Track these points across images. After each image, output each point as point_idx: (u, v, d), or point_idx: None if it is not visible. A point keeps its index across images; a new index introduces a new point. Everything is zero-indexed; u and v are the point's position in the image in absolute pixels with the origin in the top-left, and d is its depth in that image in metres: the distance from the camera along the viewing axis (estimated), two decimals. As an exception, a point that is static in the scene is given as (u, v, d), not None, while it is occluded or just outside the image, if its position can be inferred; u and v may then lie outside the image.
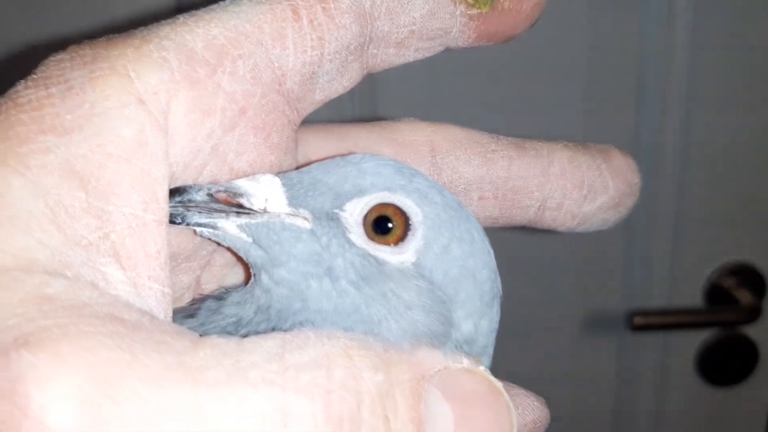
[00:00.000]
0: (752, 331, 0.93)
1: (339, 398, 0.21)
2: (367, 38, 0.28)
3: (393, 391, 0.22)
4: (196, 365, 0.21)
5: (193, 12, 0.26)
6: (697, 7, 0.82)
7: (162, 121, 0.24)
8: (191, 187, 0.26)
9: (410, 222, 0.27)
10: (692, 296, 0.92)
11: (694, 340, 0.94)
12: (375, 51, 0.29)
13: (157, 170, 0.24)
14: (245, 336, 0.27)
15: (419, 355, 0.23)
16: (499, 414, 0.23)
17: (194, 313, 0.29)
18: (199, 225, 0.27)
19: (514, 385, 0.34)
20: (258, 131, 0.27)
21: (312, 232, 0.27)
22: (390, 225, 0.27)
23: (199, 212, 0.27)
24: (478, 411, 0.23)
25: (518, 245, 0.77)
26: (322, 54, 0.27)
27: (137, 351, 0.21)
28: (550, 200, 0.33)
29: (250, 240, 0.27)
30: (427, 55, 0.30)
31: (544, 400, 0.35)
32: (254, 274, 0.29)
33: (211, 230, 0.27)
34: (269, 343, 0.22)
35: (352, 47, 0.28)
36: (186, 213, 0.26)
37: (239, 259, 0.30)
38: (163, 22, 0.26)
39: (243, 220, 0.27)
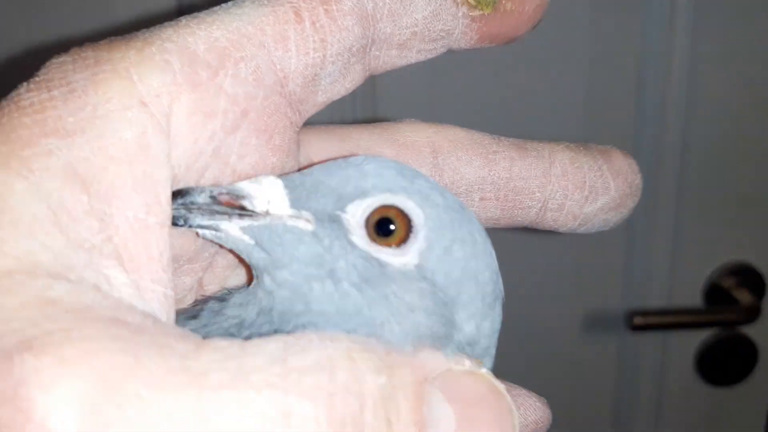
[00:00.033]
0: (752, 331, 0.93)
1: (342, 401, 0.21)
2: (370, 40, 0.28)
3: (395, 393, 0.22)
4: (199, 369, 0.21)
5: (196, 14, 0.26)
6: (697, 9, 0.82)
7: (164, 123, 0.24)
8: (193, 189, 0.26)
9: (412, 224, 0.27)
10: (692, 296, 0.92)
11: (694, 340, 0.94)
12: (377, 53, 0.29)
13: (159, 173, 0.24)
14: (248, 338, 0.27)
15: (421, 357, 0.23)
16: (501, 416, 0.23)
17: (197, 314, 0.29)
18: (202, 227, 0.27)
19: (515, 385, 0.34)
20: (260, 133, 0.27)
21: (314, 234, 0.27)
22: (392, 227, 0.27)
23: (202, 214, 0.27)
24: (480, 413, 0.23)
25: (518, 245, 0.77)
26: (324, 56, 0.27)
27: (141, 355, 0.21)
28: (551, 201, 0.33)
29: (252, 242, 0.27)
30: (430, 56, 0.30)
31: (545, 401, 0.35)
32: (256, 276, 0.29)
33: (213, 232, 0.27)
34: (272, 346, 0.22)
35: (354, 49, 0.28)
36: (188, 215, 0.26)
37: (241, 260, 0.30)
38: (165, 24, 0.26)
39: (245, 222, 0.27)
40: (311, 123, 0.30)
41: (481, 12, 0.29)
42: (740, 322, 0.92)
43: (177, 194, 0.26)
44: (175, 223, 0.26)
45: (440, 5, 0.29)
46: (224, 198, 0.27)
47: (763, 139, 0.88)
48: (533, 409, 0.34)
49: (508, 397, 0.24)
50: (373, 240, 0.27)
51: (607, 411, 0.95)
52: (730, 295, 0.91)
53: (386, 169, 0.28)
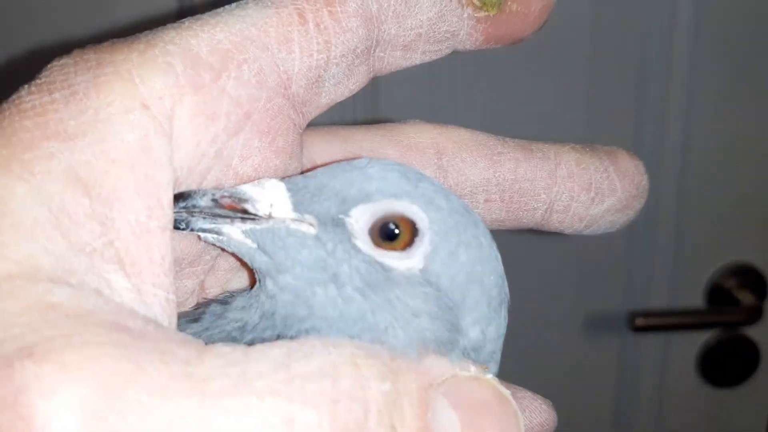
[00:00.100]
0: (753, 331, 0.93)
1: (345, 408, 0.21)
2: (374, 41, 0.28)
3: (400, 400, 0.22)
4: (202, 375, 0.21)
5: (199, 16, 0.26)
6: (698, 8, 0.82)
7: (166, 126, 0.24)
8: (195, 192, 0.26)
9: (417, 228, 0.27)
10: (693, 297, 0.92)
11: (696, 341, 0.94)
12: (382, 54, 0.29)
13: (161, 176, 0.24)
14: (251, 342, 0.27)
15: (426, 363, 0.23)
16: (506, 422, 0.23)
17: (199, 317, 0.29)
18: (204, 231, 0.27)
19: (521, 388, 0.34)
20: (263, 135, 0.27)
21: (317, 237, 0.27)
22: (396, 231, 0.27)
23: (204, 218, 0.26)
24: (486, 419, 0.23)
25: (520, 246, 0.76)
26: (328, 57, 0.27)
27: (142, 361, 0.20)
28: (557, 203, 0.33)
29: (254, 246, 0.27)
30: (434, 57, 0.30)
31: (551, 403, 0.35)
32: (259, 280, 0.28)
33: (215, 236, 0.27)
34: (275, 352, 0.22)
35: (358, 51, 0.28)
36: (190, 219, 0.26)
37: (244, 264, 0.30)
38: (167, 25, 0.26)
39: (247, 225, 0.27)
40: (313, 124, 0.30)
41: (486, 13, 0.29)
42: (742, 322, 0.92)
43: (179, 197, 0.26)
44: (176, 227, 0.26)
45: (445, 6, 0.29)
46: (226, 201, 0.26)
47: (764, 139, 0.88)
48: (539, 411, 0.34)
49: (514, 403, 0.24)
50: (377, 244, 0.27)
51: (609, 412, 0.95)
52: (732, 295, 0.91)
53: (390, 172, 0.27)
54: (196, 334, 0.28)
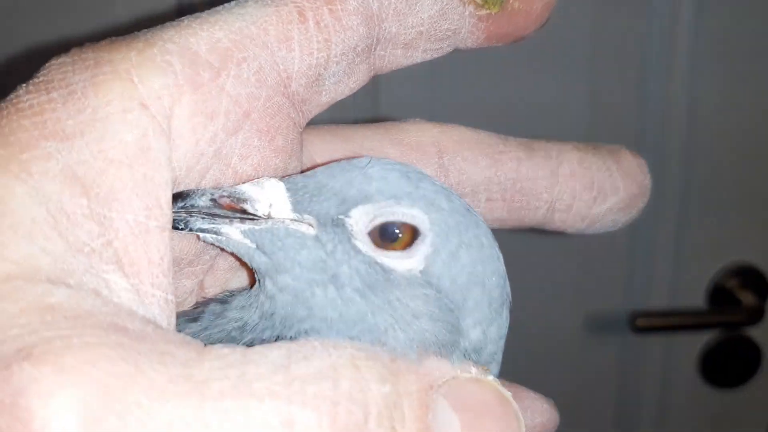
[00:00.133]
0: (755, 332, 0.93)
1: (345, 410, 0.21)
2: (375, 40, 0.28)
3: (400, 402, 0.22)
4: (201, 377, 0.21)
5: (198, 14, 0.26)
6: (700, 6, 0.82)
7: (165, 125, 0.24)
8: (194, 192, 0.26)
9: (417, 230, 0.27)
10: (695, 297, 0.92)
11: (697, 342, 0.93)
12: (382, 52, 0.29)
13: (159, 175, 0.24)
14: (250, 342, 0.27)
15: (427, 364, 0.23)
16: (507, 424, 0.23)
17: (198, 316, 0.29)
18: (203, 231, 0.27)
19: (523, 387, 0.34)
20: (262, 134, 0.27)
21: (317, 238, 0.27)
22: (397, 232, 0.27)
23: (202, 218, 0.26)
24: (486, 421, 0.23)
25: (521, 246, 0.76)
26: (328, 56, 0.27)
27: (141, 363, 0.20)
28: (559, 202, 0.33)
29: (253, 246, 0.27)
30: (436, 56, 0.30)
31: (553, 403, 0.35)
32: (258, 280, 0.28)
33: (214, 236, 0.27)
34: (275, 353, 0.22)
35: (359, 49, 0.27)
36: (189, 219, 0.26)
37: (243, 263, 0.29)
38: (167, 24, 0.26)
39: (246, 226, 0.27)
40: (314, 123, 0.30)
41: (488, 11, 0.29)
42: (744, 323, 0.91)
43: (177, 197, 0.26)
44: (175, 227, 0.26)
45: (447, 4, 0.28)
46: (225, 201, 0.26)
47: (767, 139, 0.88)
48: (541, 411, 0.34)
49: (515, 405, 0.24)
50: (377, 244, 0.27)
51: (610, 412, 0.95)
52: (734, 296, 0.91)
53: (391, 172, 0.27)
54: (195, 334, 0.28)
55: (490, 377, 0.24)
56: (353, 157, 0.28)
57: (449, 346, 0.26)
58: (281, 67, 0.26)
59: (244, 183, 0.27)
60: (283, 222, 0.27)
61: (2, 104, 0.24)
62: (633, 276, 0.91)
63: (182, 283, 0.29)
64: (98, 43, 0.25)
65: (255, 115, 0.26)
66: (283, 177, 0.28)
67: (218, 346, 0.22)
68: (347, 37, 0.27)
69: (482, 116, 0.80)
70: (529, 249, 0.83)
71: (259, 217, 0.27)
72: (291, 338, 0.27)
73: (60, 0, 0.70)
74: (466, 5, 0.29)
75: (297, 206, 0.27)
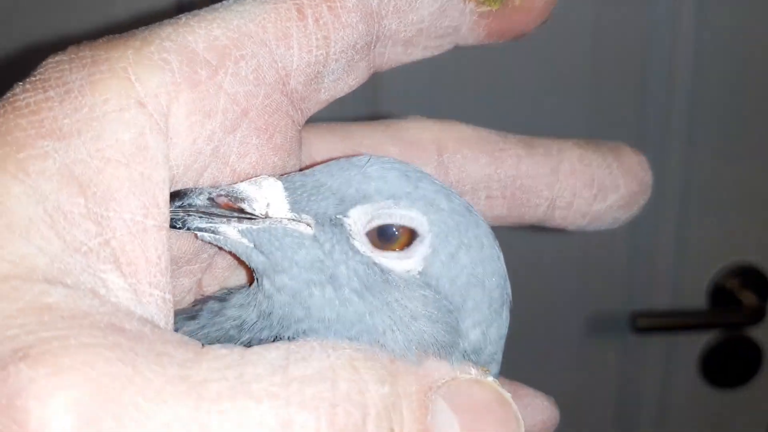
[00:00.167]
0: (756, 332, 0.93)
1: (344, 412, 0.21)
2: (374, 37, 0.28)
3: (399, 403, 0.22)
4: (198, 378, 0.20)
5: (196, 12, 0.26)
6: (702, 3, 0.82)
7: (162, 123, 0.24)
8: (192, 190, 0.26)
9: (416, 230, 0.27)
10: (696, 298, 0.92)
11: (698, 342, 0.93)
12: (382, 50, 0.28)
13: (157, 174, 0.24)
14: (248, 342, 0.27)
15: (426, 365, 0.23)
16: (507, 426, 0.23)
17: (196, 314, 0.29)
18: (200, 230, 0.26)
19: (524, 385, 0.34)
20: (261, 132, 0.26)
21: (314, 238, 0.27)
22: (395, 232, 0.27)
23: (200, 217, 0.26)
24: (486, 422, 0.23)
25: (521, 246, 0.76)
26: (327, 53, 0.27)
27: (139, 364, 0.20)
28: (559, 199, 0.33)
29: (251, 245, 0.27)
30: (436, 53, 0.30)
31: (553, 401, 0.35)
32: (257, 278, 0.28)
33: (212, 235, 0.27)
34: (273, 354, 0.22)
35: (358, 46, 0.27)
36: (186, 218, 0.26)
37: (241, 262, 0.29)
38: (164, 22, 0.25)
39: (244, 225, 0.27)
40: (313, 120, 0.30)
41: (488, 8, 0.29)
42: (744, 323, 0.91)
43: (175, 196, 0.26)
44: (173, 226, 0.26)
45: (447, 1, 0.28)
46: (222, 200, 0.26)
47: (768, 139, 0.88)
48: (541, 408, 0.34)
49: (515, 406, 0.23)
50: (376, 245, 0.26)
51: (611, 412, 0.95)
52: (735, 296, 0.91)
53: (390, 172, 0.27)
54: (193, 332, 0.28)
55: (490, 378, 0.24)
56: (352, 155, 0.28)
57: (448, 347, 0.26)
58: (280, 64, 0.26)
59: (242, 181, 0.27)
60: (280, 221, 0.27)
61: None
62: (634, 276, 0.90)
63: (180, 282, 0.28)
64: (95, 41, 0.25)
65: (253, 113, 0.26)
66: (282, 175, 0.27)
67: (216, 346, 0.22)
68: (346, 34, 0.27)
69: (483, 113, 0.79)
70: (530, 249, 0.83)
71: (257, 216, 0.27)
72: (289, 338, 0.26)
73: (58, -2, 0.70)
74: (467, 2, 0.29)
75: (295, 206, 0.27)
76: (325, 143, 0.32)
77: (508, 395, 0.24)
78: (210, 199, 0.26)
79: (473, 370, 0.24)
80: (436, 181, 0.28)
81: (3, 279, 0.21)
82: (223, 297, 0.29)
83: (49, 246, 0.22)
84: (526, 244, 0.78)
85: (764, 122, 0.87)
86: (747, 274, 0.92)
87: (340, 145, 0.32)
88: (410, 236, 0.27)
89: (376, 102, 0.79)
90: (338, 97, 0.29)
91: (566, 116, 0.83)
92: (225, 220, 0.26)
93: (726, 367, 0.95)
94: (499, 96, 0.82)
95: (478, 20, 0.29)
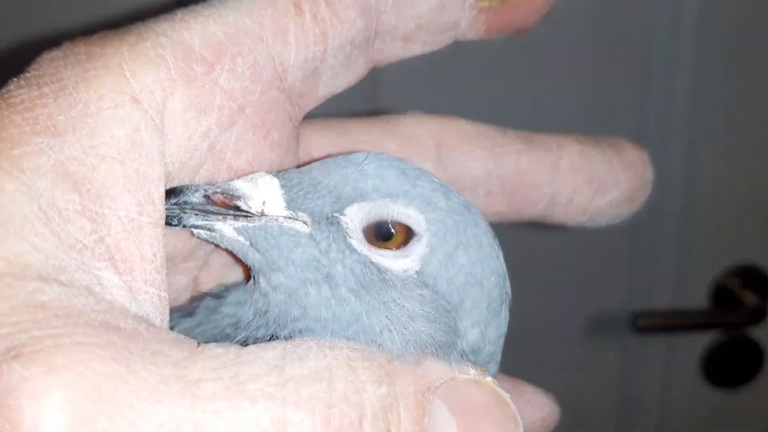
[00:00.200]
0: (757, 332, 0.93)
1: (340, 413, 0.21)
2: (373, 32, 0.27)
3: (396, 403, 0.22)
4: (193, 378, 0.20)
5: (192, 8, 0.26)
6: (702, 3, 0.81)
7: (158, 120, 0.24)
8: (187, 188, 0.26)
9: (413, 229, 0.26)
10: (697, 297, 0.91)
11: (699, 342, 0.93)
12: (381, 45, 0.28)
13: (152, 171, 0.24)
14: (244, 340, 0.27)
15: (424, 366, 0.23)
16: (505, 427, 0.23)
17: (192, 312, 0.28)
18: (196, 227, 0.26)
19: (523, 381, 0.34)
20: (257, 129, 0.26)
21: (311, 236, 0.26)
22: (391, 229, 0.26)
23: (196, 214, 0.26)
24: (484, 423, 0.23)
25: (522, 245, 0.76)
26: (325, 49, 0.26)
27: (133, 363, 0.20)
28: (559, 195, 0.33)
29: (247, 243, 0.27)
30: (435, 48, 0.29)
31: (553, 397, 0.34)
32: (254, 276, 0.28)
33: (208, 232, 0.27)
34: (269, 353, 0.21)
35: (356, 42, 0.27)
36: (182, 215, 0.26)
37: (238, 259, 0.29)
38: (160, 17, 0.25)
39: (240, 223, 0.26)
40: (312, 116, 0.30)
41: (488, 3, 0.29)
42: (746, 323, 0.91)
43: (170, 193, 0.25)
44: (168, 223, 0.25)
45: None
46: (218, 197, 0.26)
47: (770, 138, 0.88)
48: (541, 405, 0.34)
49: (513, 407, 0.23)
50: (372, 244, 0.26)
51: (611, 412, 0.95)
52: (736, 296, 0.90)
53: (387, 170, 0.27)
54: (189, 329, 0.28)
55: (489, 378, 0.24)
56: (350, 152, 0.28)
57: (446, 347, 0.26)
58: (277, 60, 0.26)
59: (238, 178, 0.26)
60: (276, 220, 0.26)
61: None
62: (635, 276, 0.90)
63: (176, 279, 0.28)
64: (91, 37, 0.25)
65: (250, 110, 0.26)
66: (279, 172, 0.27)
67: (212, 345, 0.22)
68: (344, 30, 0.26)
69: (484, 110, 0.79)
70: (530, 249, 0.83)
71: (253, 214, 0.26)
72: (285, 337, 0.26)
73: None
74: None
75: (291, 203, 0.27)
76: (322, 139, 0.31)
77: (506, 396, 0.24)
78: (206, 196, 0.26)
79: (472, 371, 0.23)
80: (435, 179, 0.28)
81: None
82: (220, 294, 0.29)
83: (43, 243, 0.22)
84: (526, 244, 0.78)
85: (765, 122, 0.87)
86: (748, 274, 0.91)
87: (338, 141, 0.32)
88: (407, 235, 0.26)
89: (376, 98, 0.78)
90: (336, 93, 0.28)
91: (566, 113, 0.83)
92: (221, 217, 0.26)
93: (727, 367, 0.94)
94: (500, 93, 0.82)
95: (478, 15, 0.29)
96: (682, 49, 0.83)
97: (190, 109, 0.24)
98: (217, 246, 0.28)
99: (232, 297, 0.28)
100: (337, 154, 0.28)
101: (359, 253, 0.26)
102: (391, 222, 0.26)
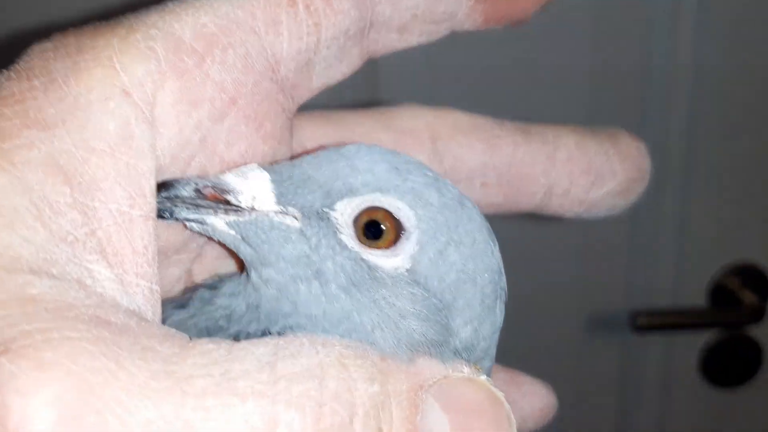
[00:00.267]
0: (756, 331, 0.93)
1: (331, 411, 0.20)
2: (367, 23, 0.27)
3: (389, 402, 0.21)
4: (183, 374, 0.20)
5: None
6: (702, 2, 0.81)
7: (148, 113, 0.24)
8: (178, 181, 0.25)
9: (403, 226, 0.26)
10: (696, 296, 0.91)
11: (698, 341, 0.93)
12: (376, 36, 0.28)
13: (143, 164, 0.23)
14: (236, 334, 0.26)
15: (418, 364, 0.23)
16: (498, 426, 0.23)
17: (186, 303, 0.28)
18: (188, 220, 0.26)
19: (520, 372, 0.34)
20: (250, 121, 0.26)
21: (301, 231, 0.26)
22: (382, 227, 0.26)
23: (187, 208, 0.26)
24: (477, 422, 0.23)
25: (521, 244, 0.76)
26: (318, 40, 0.26)
27: (122, 358, 0.20)
28: (556, 186, 0.32)
29: (239, 237, 0.26)
30: (432, 39, 0.29)
31: (551, 387, 0.34)
32: (246, 268, 0.28)
33: (200, 225, 0.26)
34: (261, 350, 0.21)
35: (350, 33, 0.27)
36: (174, 208, 0.26)
37: (231, 252, 0.29)
38: (151, 9, 0.25)
39: (231, 217, 0.26)
40: (308, 106, 0.29)
41: None
42: (745, 322, 0.91)
43: (162, 186, 0.25)
44: (160, 216, 0.25)
45: None
46: (209, 191, 0.26)
47: (769, 138, 0.87)
48: (539, 396, 0.34)
49: (507, 405, 0.23)
50: (363, 242, 0.26)
51: (611, 411, 0.95)
52: (735, 295, 0.90)
53: (378, 164, 0.26)
54: (182, 321, 0.27)
55: (483, 377, 0.24)
56: (343, 144, 0.27)
57: (439, 345, 0.26)
58: (269, 52, 0.26)
59: (230, 171, 0.26)
60: (267, 214, 0.26)
61: None
62: (634, 274, 0.90)
63: (169, 272, 0.28)
64: (81, 28, 0.25)
65: (242, 102, 0.26)
66: (271, 164, 0.27)
67: (204, 340, 0.22)
68: (338, 21, 0.26)
69: (483, 102, 0.79)
70: (529, 248, 0.83)
71: (243, 208, 0.26)
72: (278, 333, 0.26)
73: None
74: None
75: (281, 198, 0.26)
76: (317, 131, 0.31)
77: (500, 394, 0.23)
78: (196, 190, 0.26)
79: (466, 369, 0.23)
80: (428, 172, 0.27)
81: None
82: (214, 285, 0.29)
83: (34, 236, 0.21)
84: (525, 243, 0.77)
85: (765, 120, 0.87)
86: (747, 273, 0.91)
87: (332, 132, 0.31)
88: (397, 233, 0.26)
89: (376, 89, 0.78)
90: (331, 84, 0.28)
91: (565, 109, 0.82)
92: (212, 211, 0.26)
93: (726, 366, 0.94)
94: (499, 90, 0.81)
95: (475, 5, 0.29)
96: (681, 46, 0.83)
97: (181, 102, 0.24)
98: (210, 238, 0.28)
99: (227, 288, 0.28)
100: (329, 147, 0.28)
101: (350, 250, 0.26)
102: (379, 214, 0.26)
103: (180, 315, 0.28)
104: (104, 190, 0.23)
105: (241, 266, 0.28)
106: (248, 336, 0.26)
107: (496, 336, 0.28)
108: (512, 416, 0.23)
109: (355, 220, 0.26)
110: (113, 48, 0.24)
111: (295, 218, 0.26)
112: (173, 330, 0.22)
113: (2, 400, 0.19)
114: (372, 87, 0.77)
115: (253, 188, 0.26)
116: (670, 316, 0.90)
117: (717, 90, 0.85)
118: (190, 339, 0.22)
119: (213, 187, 0.26)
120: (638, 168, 0.33)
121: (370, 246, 0.26)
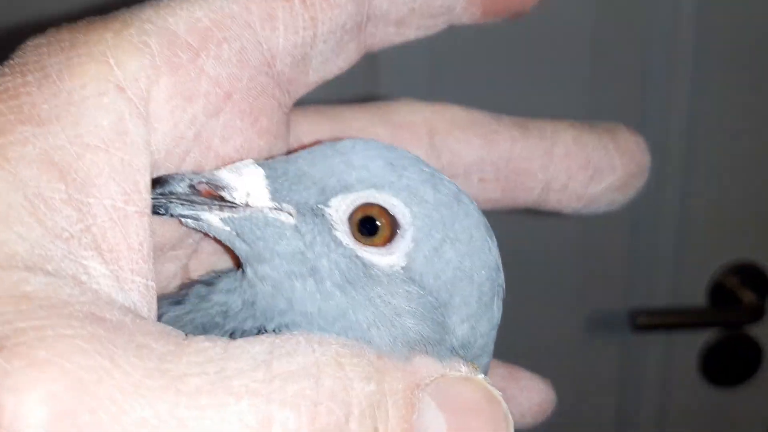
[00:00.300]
0: (756, 330, 0.93)
1: (326, 410, 0.20)
2: (365, 17, 0.27)
3: (385, 401, 0.21)
4: (178, 372, 0.20)
5: None
6: (702, 3, 0.81)
7: (142, 108, 0.23)
8: (172, 177, 0.25)
9: (398, 223, 0.26)
10: (696, 296, 0.91)
11: (698, 340, 0.93)
12: (373, 30, 0.28)
13: (137, 160, 0.23)
14: (232, 331, 0.26)
15: (414, 362, 0.23)
16: (495, 425, 0.23)
17: (182, 299, 0.28)
18: (183, 216, 0.26)
19: (519, 367, 0.33)
20: (245, 115, 0.26)
21: (296, 228, 0.26)
22: (377, 224, 0.26)
23: (182, 204, 0.25)
24: (474, 421, 0.22)
25: (520, 243, 0.75)
26: (314, 34, 0.26)
27: (117, 356, 0.20)
28: (554, 182, 0.32)
29: (234, 233, 0.26)
30: (430, 32, 0.29)
31: (549, 382, 0.34)
32: (242, 264, 0.27)
33: (195, 221, 0.26)
34: (257, 348, 0.21)
35: (347, 27, 0.27)
36: (168, 204, 0.25)
37: (227, 248, 0.29)
38: (146, 3, 0.25)
39: (225, 213, 0.26)
40: (307, 101, 0.29)
41: None
42: (744, 321, 0.91)
43: (156, 182, 0.25)
44: (156, 212, 0.25)
45: None
46: (203, 188, 0.26)
47: (768, 136, 0.87)
48: (537, 391, 0.34)
49: (504, 405, 0.23)
50: (358, 239, 0.26)
51: (611, 411, 0.94)
52: (734, 294, 0.90)
53: (373, 160, 0.26)
54: (179, 317, 0.27)
55: (480, 376, 0.23)
56: (339, 139, 0.27)
57: (435, 343, 0.25)
58: (265, 46, 0.25)
59: (225, 167, 0.26)
60: (261, 211, 0.26)
61: None
62: (634, 274, 0.90)
63: (165, 267, 0.28)
64: (75, 23, 0.25)
65: (237, 97, 0.25)
66: (266, 159, 0.27)
67: (200, 338, 0.21)
68: (334, 15, 0.26)
69: (482, 98, 0.78)
70: (528, 247, 0.83)
71: (237, 205, 0.26)
72: (274, 331, 0.26)
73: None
74: None
75: (276, 194, 0.26)
76: (313, 126, 0.31)
77: (498, 393, 0.23)
78: (191, 186, 0.25)
79: (463, 368, 0.23)
80: (425, 168, 0.27)
81: None
82: (211, 281, 0.28)
83: (29, 232, 0.21)
84: (524, 242, 0.77)
85: (764, 120, 0.87)
86: (747, 272, 0.91)
87: (330, 127, 0.31)
88: (392, 230, 0.26)
89: (375, 84, 0.78)
90: (328, 78, 0.28)
91: (565, 106, 0.82)
92: (206, 207, 0.26)
93: (726, 366, 0.94)
94: (500, 85, 0.81)
95: None
96: (681, 47, 0.83)
97: (176, 97, 0.24)
98: (205, 234, 0.28)
99: (223, 284, 0.28)
100: (325, 141, 0.27)
101: (345, 247, 0.25)
102: (374, 210, 0.26)
103: (176, 311, 0.27)
104: (99, 186, 0.22)
105: (237, 262, 0.28)
106: (244, 333, 0.26)
107: (494, 333, 0.27)
108: (510, 415, 0.23)
109: (350, 217, 0.26)
110: (107, 43, 0.23)
111: (290, 214, 0.26)
112: (169, 327, 0.22)
113: None
114: (371, 82, 0.77)
115: (248, 184, 0.26)
116: (669, 315, 0.90)
117: (717, 90, 0.85)
118: (186, 336, 0.21)
119: (207, 183, 0.26)
120: (637, 162, 0.33)
121: (365, 243, 0.26)
